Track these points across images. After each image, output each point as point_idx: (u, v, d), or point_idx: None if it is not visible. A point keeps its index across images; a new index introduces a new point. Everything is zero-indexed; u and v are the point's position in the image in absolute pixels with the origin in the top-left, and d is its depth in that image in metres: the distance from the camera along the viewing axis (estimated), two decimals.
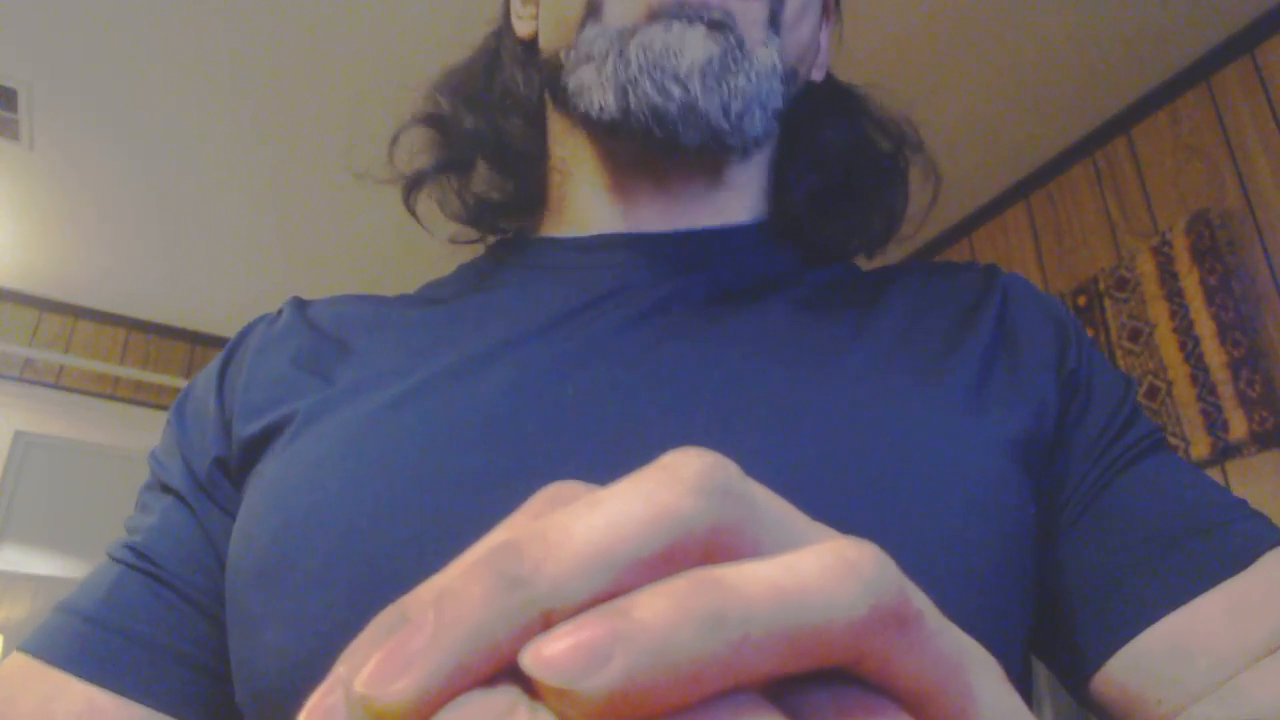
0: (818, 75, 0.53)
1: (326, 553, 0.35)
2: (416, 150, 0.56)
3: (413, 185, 0.56)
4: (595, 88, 0.43)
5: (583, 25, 0.44)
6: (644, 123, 0.42)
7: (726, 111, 0.41)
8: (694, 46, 0.41)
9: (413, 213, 0.56)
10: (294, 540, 0.36)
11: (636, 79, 0.41)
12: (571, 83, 0.44)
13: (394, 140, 0.55)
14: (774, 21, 0.44)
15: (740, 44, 0.42)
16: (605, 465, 0.35)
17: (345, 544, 0.35)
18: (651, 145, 0.43)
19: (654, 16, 0.41)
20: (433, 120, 0.55)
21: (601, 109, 0.42)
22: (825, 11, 0.54)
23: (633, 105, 0.41)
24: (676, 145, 0.42)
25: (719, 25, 0.41)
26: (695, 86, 0.40)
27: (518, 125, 0.52)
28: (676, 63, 0.40)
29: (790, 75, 0.46)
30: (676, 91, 0.41)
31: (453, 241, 0.57)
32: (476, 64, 0.56)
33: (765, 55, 0.43)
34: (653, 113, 0.41)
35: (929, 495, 0.36)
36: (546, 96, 0.52)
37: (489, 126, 0.53)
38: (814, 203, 0.53)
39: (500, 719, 0.12)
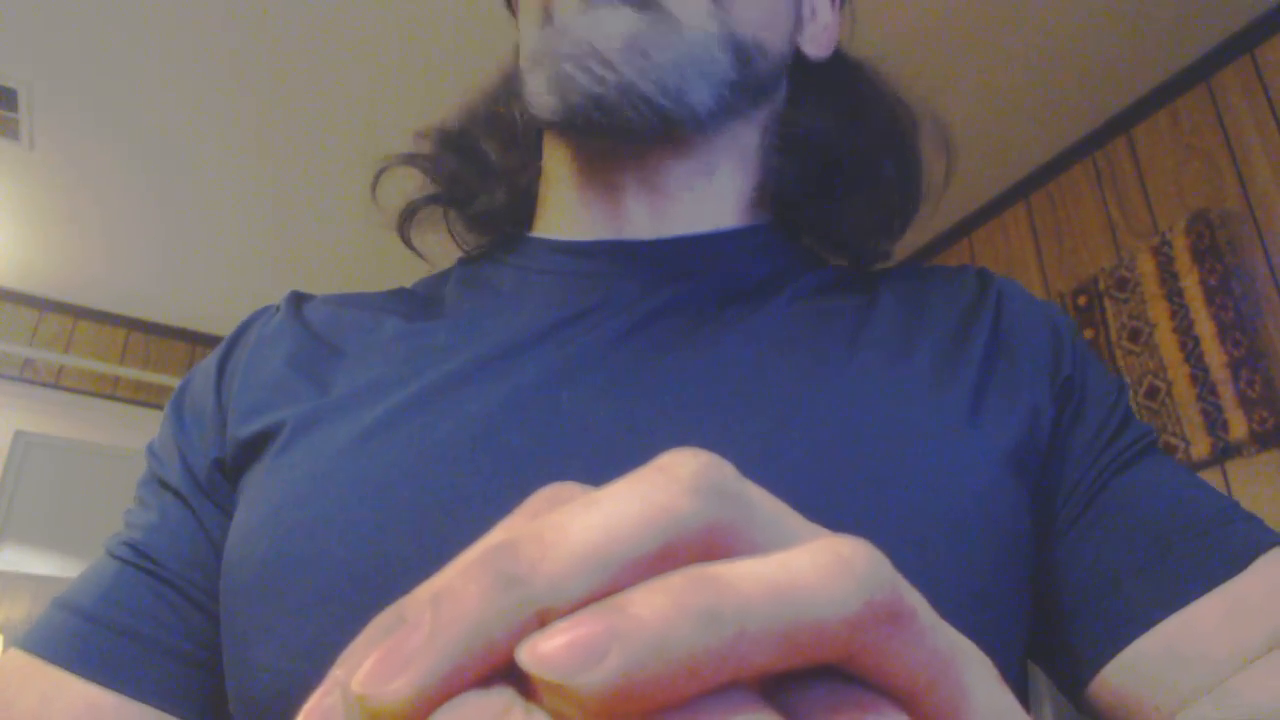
0: (814, 50, 0.52)
1: (321, 573, 0.35)
2: (411, 176, 0.56)
3: (405, 219, 0.56)
4: (541, 92, 0.43)
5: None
6: (587, 112, 0.41)
7: (665, 90, 0.41)
8: (616, 26, 0.41)
9: (408, 244, 0.56)
10: (288, 559, 0.36)
11: (571, 73, 0.41)
12: (524, 91, 0.44)
13: (375, 180, 0.55)
14: None
15: (667, 18, 0.41)
16: (602, 473, 0.35)
17: (340, 565, 0.34)
18: (598, 135, 0.43)
19: (586, 7, 0.41)
20: (413, 161, 0.56)
21: (548, 111, 0.43)
22: None
23: (572, 98, 0.41)
24: (622, 125, 0.42)
25: (644, 3, 0.41)
26: (625, 69, 0.40)
27: (494, 146, 0.53)
28: (605, 46, 0.40)
29: (746, 46, 0.45)
30: (609, 76, 0.40)
31: (465, 252, 0.57)
32: (490, 86, 0.56)
33: (701, 27, 0.42)
34: (593, 101, 0.41)
35: (926, 500, 0.36)
36: None
37: (467, 162, 0.53)
38: (811, 201, 0.52)
39: None
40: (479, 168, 0.53)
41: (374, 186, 0.55)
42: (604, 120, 0.41)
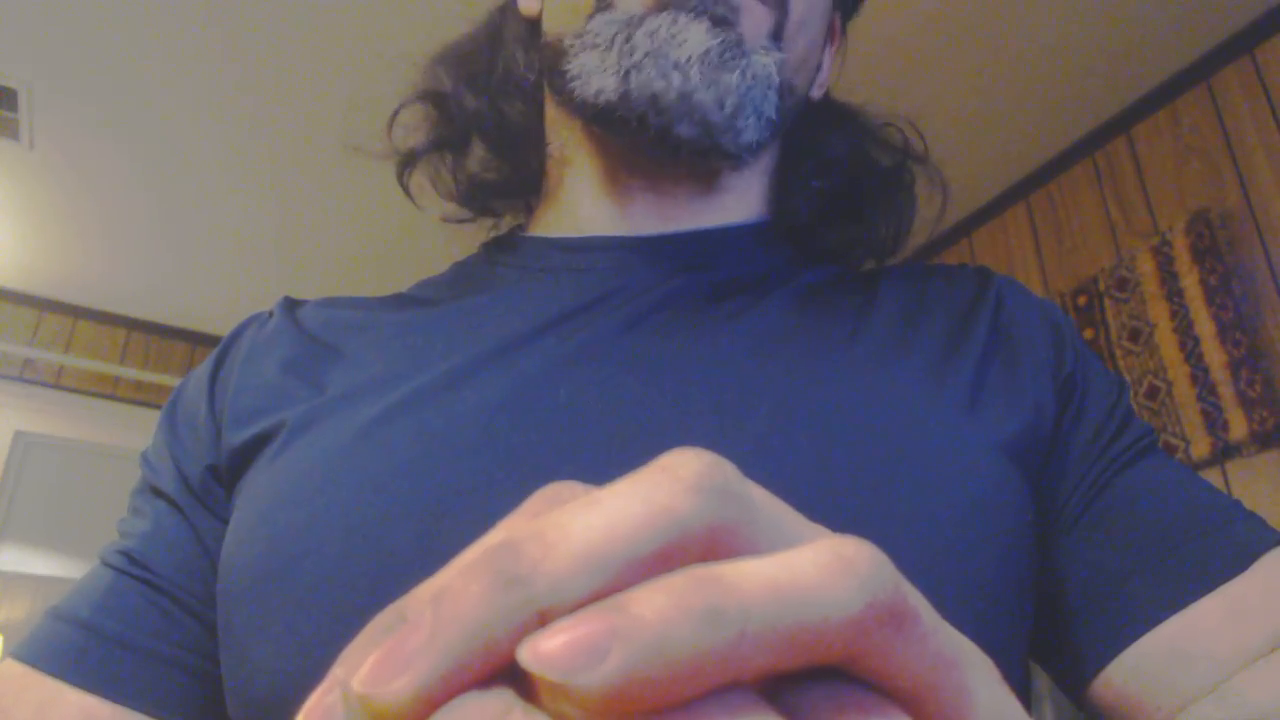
0: (817, 93, 0.53)
1: (318, 569, 0.34)
2: (412, 127, 0.56)
3: (407, 162, 0.56)
4: (597, 72, 0.43)
5: (592, 15, 0.44)
6: (641, 108, 0.42)
7: (721, 105, 0.42)
8: (696, 37, 0.41)
9: (406, 190, 0.56)
10: (285, 556, 0.35)
11: (641, 64, 0.41)
12: (573, 68, 0.44)
13: (394, 115, 0.55)
14: (778, 34, 0.44)
15: (740, 42, 0.42)
16: (602, 467, 0.35)
17: (338, 561, 0.34)
18: (645, 137, 0.43)
19: (662, 6, 0.42)
20: (432, 97, 0.55)
21: (599, 93, 0.43)
22: (830, 33, 0.54)
23: (633, 90, 0.42)
24: (669, 136, 0.42)
25: (722, 21, 0.42)
26: (694, 76, 0.41)
27: (516, 107, 0.52)
28: (678, 51, 0.41)
29: (787, 89, 0.46)
30: (676, 79, 0.41)
31: (444, 220, 0.57)
32: (478, 40, 0.56)
33: (764, 60, 0.43)
34: (651, 99, 0.41)
35: (928, 495, 0.36)
36: (545, 81, 0.51)
37: (488, 107, 0.53)
38: (814, 209, 0.53)
39: None
40: (495, 124, 0.53)
41: (389, 127, 0.55)
42: (655, 120, 0.42)
